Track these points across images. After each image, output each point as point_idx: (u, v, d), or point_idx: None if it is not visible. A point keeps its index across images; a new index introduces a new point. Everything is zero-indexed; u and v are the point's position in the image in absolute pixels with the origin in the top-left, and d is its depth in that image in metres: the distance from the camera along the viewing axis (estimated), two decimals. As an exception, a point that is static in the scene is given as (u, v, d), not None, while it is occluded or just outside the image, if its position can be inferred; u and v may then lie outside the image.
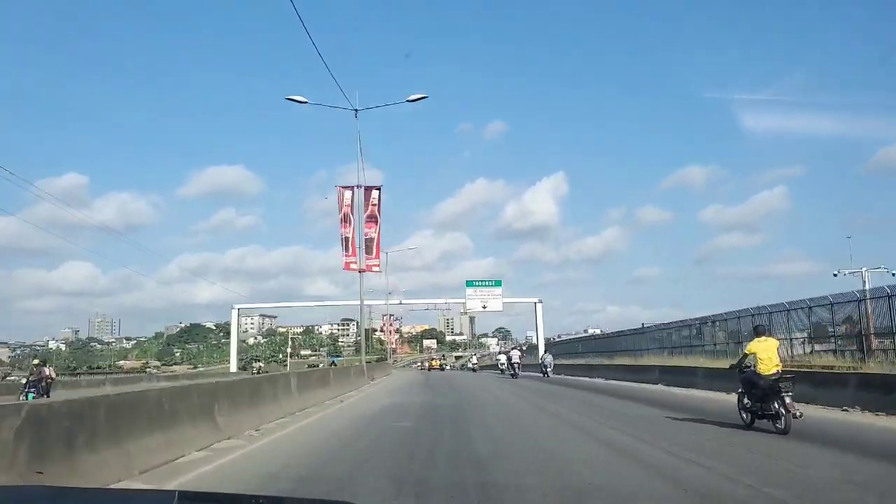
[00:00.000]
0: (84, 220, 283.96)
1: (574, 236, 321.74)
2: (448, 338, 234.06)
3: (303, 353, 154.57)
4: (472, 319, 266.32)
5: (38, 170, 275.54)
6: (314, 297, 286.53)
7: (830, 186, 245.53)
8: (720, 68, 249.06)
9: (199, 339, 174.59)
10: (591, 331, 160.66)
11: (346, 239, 30.64)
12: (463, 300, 62.52)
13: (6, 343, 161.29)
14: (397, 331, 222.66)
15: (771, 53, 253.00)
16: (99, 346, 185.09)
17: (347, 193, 30.77)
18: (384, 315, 78.48)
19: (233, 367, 64.61)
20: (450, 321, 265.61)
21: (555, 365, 35.83)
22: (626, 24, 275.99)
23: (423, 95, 26.67)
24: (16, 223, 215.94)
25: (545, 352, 41.05)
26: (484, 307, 62.59)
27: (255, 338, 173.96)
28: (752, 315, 25.31)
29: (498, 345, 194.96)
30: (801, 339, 23.82)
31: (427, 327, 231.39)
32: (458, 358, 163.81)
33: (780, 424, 9.46)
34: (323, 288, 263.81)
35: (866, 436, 9.90)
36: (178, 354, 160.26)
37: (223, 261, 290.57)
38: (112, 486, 5.71)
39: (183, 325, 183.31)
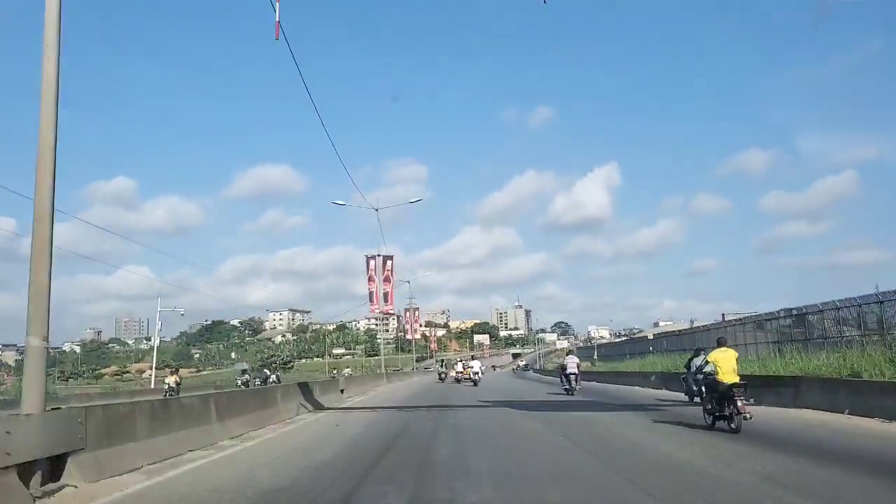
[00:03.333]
0: (138, 223, 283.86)
1: (627, 229, 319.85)
2: (502, 333, 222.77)
3: (335, 351, 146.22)
4: (527, 313, 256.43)
5: (89, 172, 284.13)
6: (361, 297, 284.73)
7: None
8: (781, 44, 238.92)
9: (220, 338, 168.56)
10: (662, 324, 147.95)
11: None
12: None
13: (14, 345, 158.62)
14: (445, 325, 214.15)
15: (842, 22, 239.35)
16: (117, 348, 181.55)
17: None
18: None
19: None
20: (503, 315, 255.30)
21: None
22: (675, 8, 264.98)
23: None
24: (71, 228, 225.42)
25: (697, 354, 20.26)
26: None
27: (284, 335, 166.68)
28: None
29: (559, 340, 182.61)
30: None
31: (478, 321, 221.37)
32: (515, 356, 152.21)
33: (733, 425, 11.26)
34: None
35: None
36: (196, 357, 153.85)
37: (273, 262, 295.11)
38: None
39: (205, 323, 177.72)
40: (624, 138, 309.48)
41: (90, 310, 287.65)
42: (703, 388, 12.55)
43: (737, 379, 11.62)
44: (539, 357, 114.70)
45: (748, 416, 11.21)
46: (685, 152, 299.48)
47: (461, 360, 49.89)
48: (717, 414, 11.84)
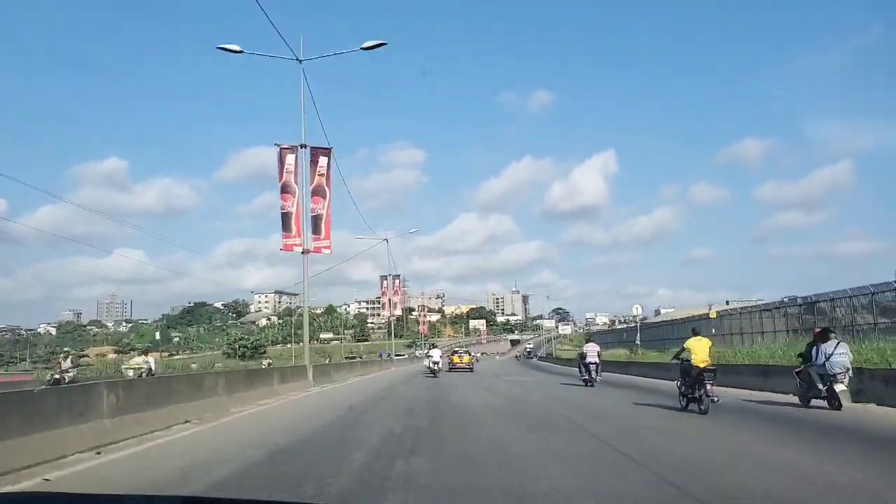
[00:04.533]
0: (128, 204, 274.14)
1: (624, 217, 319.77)
2: (499, 319, 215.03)
3: (323, 336, 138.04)
4: (525, 298, 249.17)
5: (79, 154, 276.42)
6: (358, 282, 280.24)
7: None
8: (780, 32, 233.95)
9: (202, 320, 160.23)
10: (664, 311, 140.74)
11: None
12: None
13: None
14: (440, 310, 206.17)
15: (842, 8, 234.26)
16: (95, 331, 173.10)
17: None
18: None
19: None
20: (499, 301, 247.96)
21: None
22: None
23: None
24: (62, 210, 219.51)
25: (825, 338, 13.58)
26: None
27: (269, 318, 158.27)
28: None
29: (561, 326, 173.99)
30: None
31: (474, 307, 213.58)
32: (514, 342, 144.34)
33: (702, 406, 12.18)
34: (368, 272, 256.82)
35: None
36: (176, 340, 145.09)
37: (268, 245, 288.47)
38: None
39: (188, 305, 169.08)
40: (622, 125, 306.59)
41: (81, 293, 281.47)
42: (679, 373, 13.37)
43: (708, 364, 12.64)
44: (544, 343, 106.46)
45: (716, 398, 12.35)
46: (683, 141, 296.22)
47: (433, 346, 40.64)
48: (689, 396, 12.83)
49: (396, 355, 64.18)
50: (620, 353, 42.67)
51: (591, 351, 23.33)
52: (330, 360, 60.33)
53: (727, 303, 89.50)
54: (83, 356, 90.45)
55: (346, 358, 73.92)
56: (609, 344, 51.42)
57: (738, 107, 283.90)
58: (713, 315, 34.91)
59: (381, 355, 75.33)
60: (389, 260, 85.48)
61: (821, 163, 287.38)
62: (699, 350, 12.71)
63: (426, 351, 43.35)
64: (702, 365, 12.45)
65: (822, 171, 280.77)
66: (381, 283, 55.71)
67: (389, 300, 54.29)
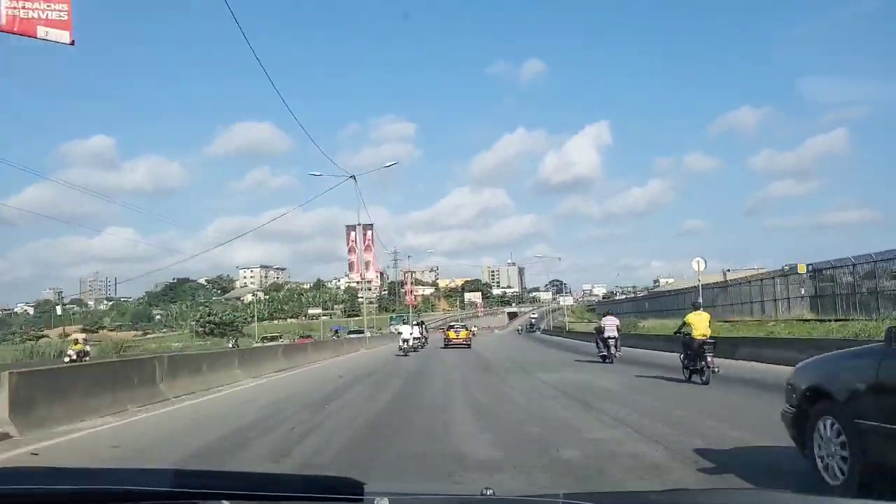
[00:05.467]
0: (118, 183, 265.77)
1: (618, 189, 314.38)
2: (495, 291, 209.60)
3: (312, 311, 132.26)
4: (521, 270, 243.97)
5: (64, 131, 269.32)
6: (346, 259, 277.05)
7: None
8: None
9: (185, 297, 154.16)
10: (663, 282, 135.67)
11: None
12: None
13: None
14: (433, 283, 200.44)
15: None
16: (75, 309, 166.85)
17: None
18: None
19: None
20: (495, 273, 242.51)
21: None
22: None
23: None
24: (49, 189, 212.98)
25: None
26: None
27: (255, 294, 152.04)
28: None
29: (554, 297, 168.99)
30: None
31: (469, 280, 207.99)
32: (511, 315, 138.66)
33: (704, 378, 12.91)
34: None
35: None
36: (158, 318, 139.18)
37: (259, 223, 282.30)
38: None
39: (171, 282, 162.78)
40: (616, 95, 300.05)
41: (73, 272, 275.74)
42: (681, 346, 14.00)
43: (708, 337, 13.16)
44: (546, 314, 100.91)
45: (716, 369, 13.02)
46: (678, 110, 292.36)
47: (404, 322, 36.13)
48: (692, 368, 13.45)
49: (352, 332, 52.02)
50: (671, 325, 34.78)
51: (610, 325, 22.64)
52: (237, 345, 47.91)
53: (728, 271, 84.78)
54: (41, 336, 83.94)
55: (264, 338, 57.10)
56: (632, 314, 45.23)
57: (733, 75, 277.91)
58: (801, 269, 28.71)
59: (336, 332, 61.84)
60: (359, 201, 65.20)
61: (815, 131, 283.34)
62: (699, 324, 13.41)
63: (397, 326, 37.65)
64: (702, 338, 13.10)
65: (817, 140, 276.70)
66: (348, 237, 41.21)
67: (359, 257, 40.77)
